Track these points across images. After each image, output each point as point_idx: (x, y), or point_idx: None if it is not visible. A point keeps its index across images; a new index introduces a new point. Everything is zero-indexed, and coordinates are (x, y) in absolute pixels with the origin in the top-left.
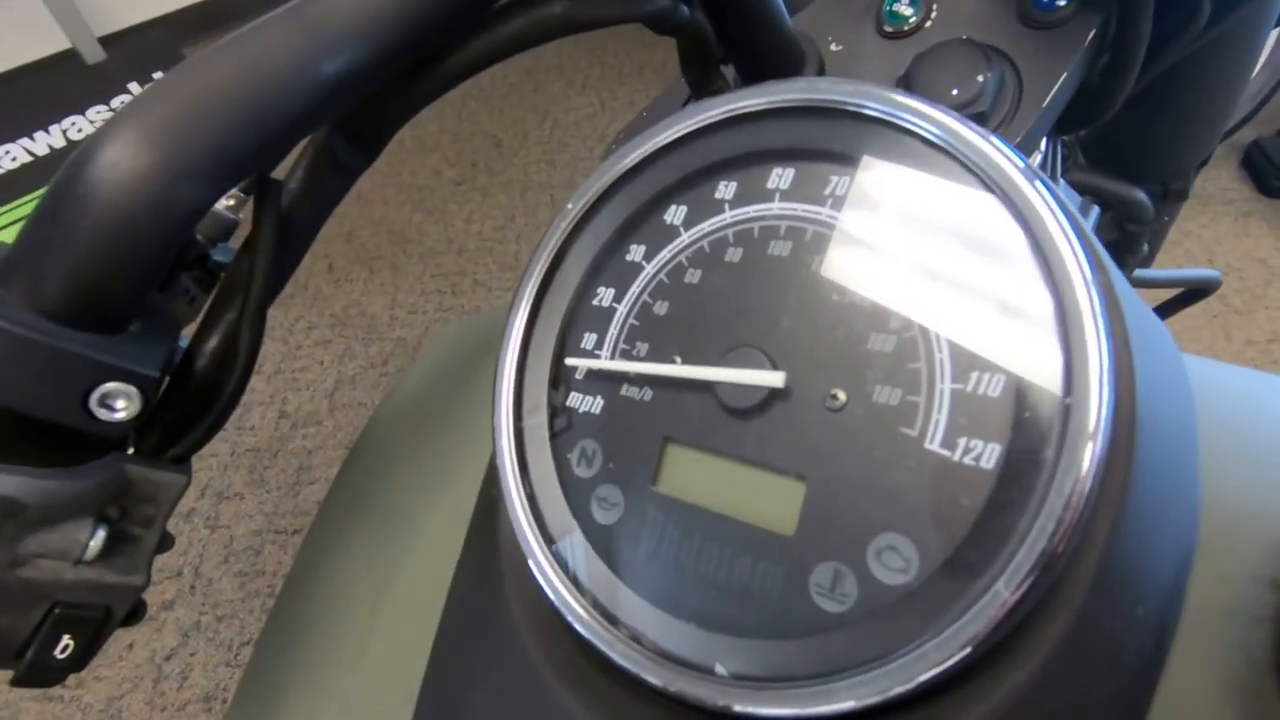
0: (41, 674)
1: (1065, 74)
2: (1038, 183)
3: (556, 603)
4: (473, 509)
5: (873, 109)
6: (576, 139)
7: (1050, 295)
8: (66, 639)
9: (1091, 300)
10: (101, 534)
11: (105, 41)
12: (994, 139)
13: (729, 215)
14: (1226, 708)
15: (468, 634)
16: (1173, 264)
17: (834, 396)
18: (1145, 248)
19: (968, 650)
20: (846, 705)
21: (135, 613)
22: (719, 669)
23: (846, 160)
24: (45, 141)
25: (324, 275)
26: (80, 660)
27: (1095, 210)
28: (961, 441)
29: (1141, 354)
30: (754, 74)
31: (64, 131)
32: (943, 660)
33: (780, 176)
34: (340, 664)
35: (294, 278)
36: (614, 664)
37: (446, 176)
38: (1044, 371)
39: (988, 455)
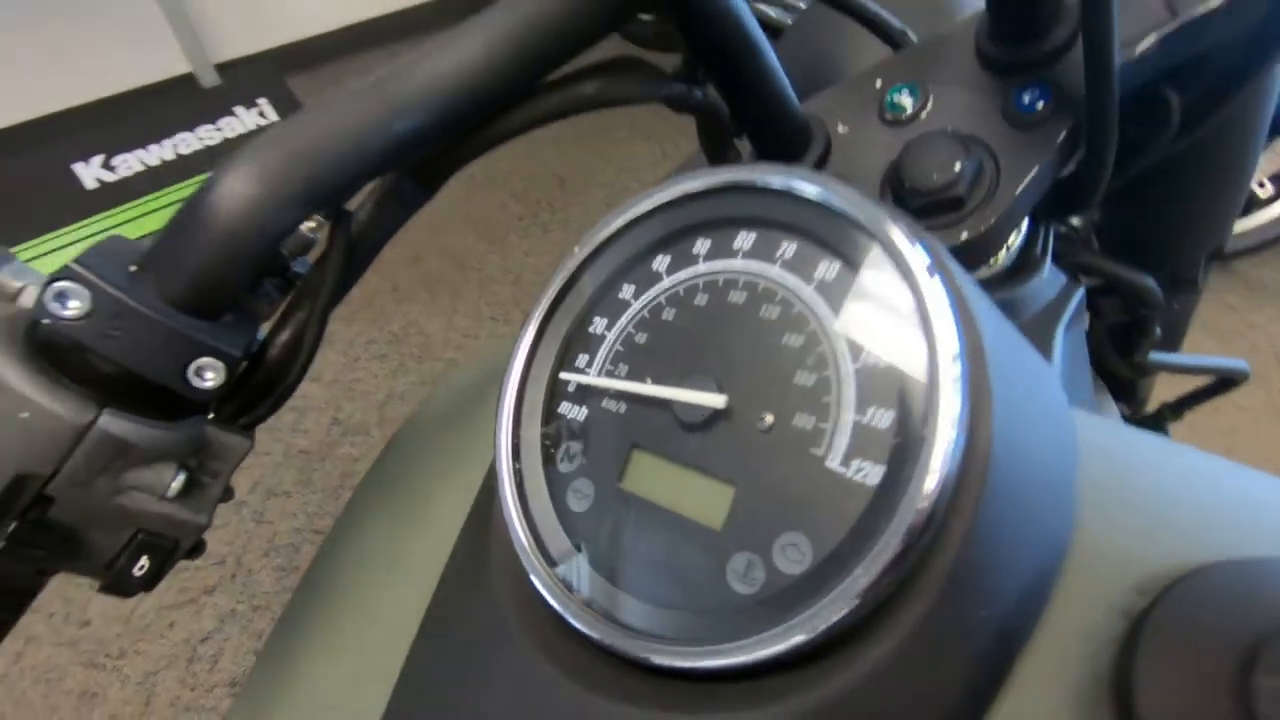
0: (121, 586)
1: (1038, 167)
2: (919, 247)
3: (529, 570)
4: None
5: (775, 184)
6: (637, 184)
7: (925, 350)
8: (144, 560)
9: (954, 357)
10: (181, 478)
11: (220, 68)
12: (898, 220)
13: (701, 267)
14: (1066, 716)
15: (458, 591)
16: (1236, 357)
17: (763, 419)
18: (1158, 331)
19: (835, 622)
20: (736, 660)
21: (196, 549)
22: (643, 629)
23: (791, 229)
24: (158, 154)
25: (388, 295)
26: (151, 581)
27: (1080, 290)
28: (854, 462)
29: (1003, 404)
30: (764, 148)
31: (175, 146)
32: (814, 630)
33: (743, 239)
34: (357, 629)
35: (360, 296)
36: (567, 621)
37: (511, 211)
38: (914, 411)
39: (872, 474)
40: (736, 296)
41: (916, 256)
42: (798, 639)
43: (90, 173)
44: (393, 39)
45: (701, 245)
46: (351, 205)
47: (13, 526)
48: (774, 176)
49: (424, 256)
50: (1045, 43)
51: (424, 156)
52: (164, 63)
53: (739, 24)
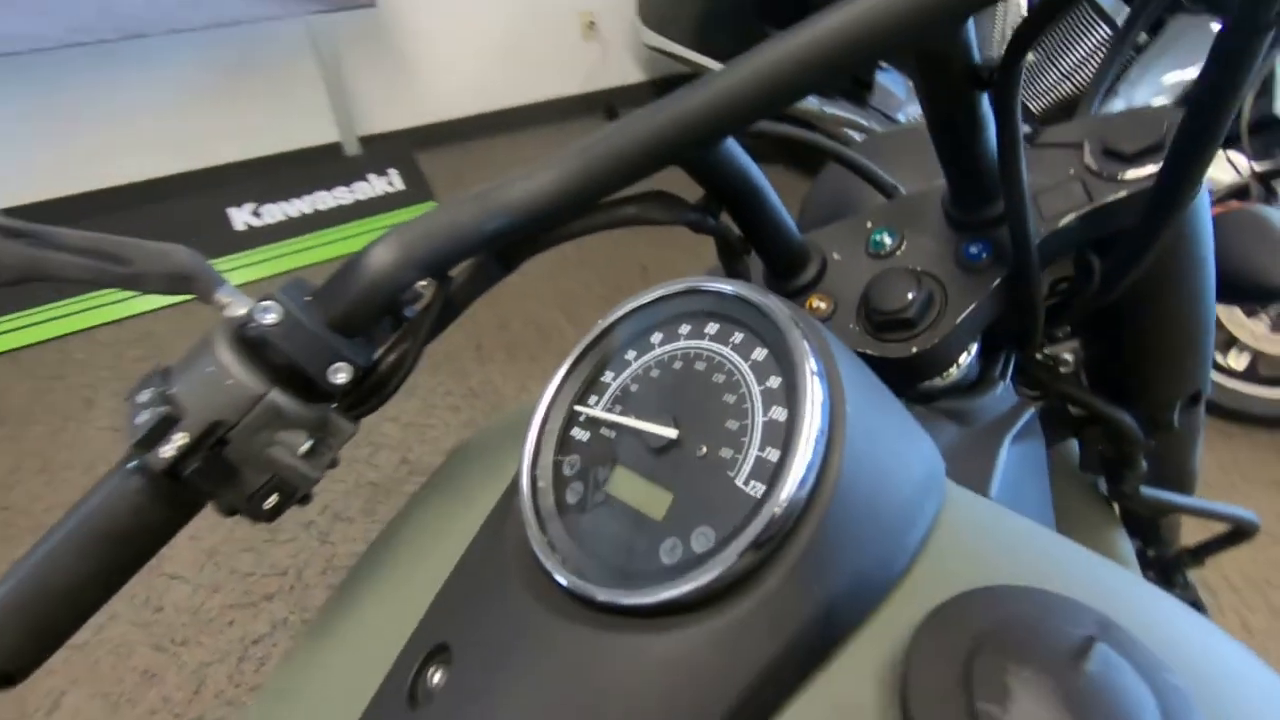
0: (255, 514)
1: (976, 304)
2: (804, 343)
3: (529, 535)
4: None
5: (729, 291)
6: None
7: (797, 413)
8: (273, 497)
9: (812, 419)
10: (309, 443)
11: (363, 140)
12: (791, 317)
13: (681, 343)
14: (870, 690)
15: (484, 546)
16: None
17: (701, 449)
18: (1144, 465)
19: (716, 578)
20: (652, 600)
21: (306, 498)
22: (595, 580)
23: (741, 323)
24: (299, 207)
25: (472, 353)
26: (274, 514)
27: (1030, 411)
28: (751, 482)
29: (854, 453)
30: (772, 266)
31: (314, 202)
32: (702, 584)
33: (711, 327)
34: (399, 597)
35: (446, 351)
36: (547, 570)
37: (595, 290)
38: (789, 451)
39: (759, 490)
40: (700, 365)
41: (800, 348)
42: (689, 587)
43: (241, 217)
44: (506, 129)
45: (683, 328)
46: (453, 273)
47: (201, 457)
48: (729, 286)
49: (510, 323)
50: (988, 211)
51: (505, 245)
52: (317, 131)
53: (744, 174)
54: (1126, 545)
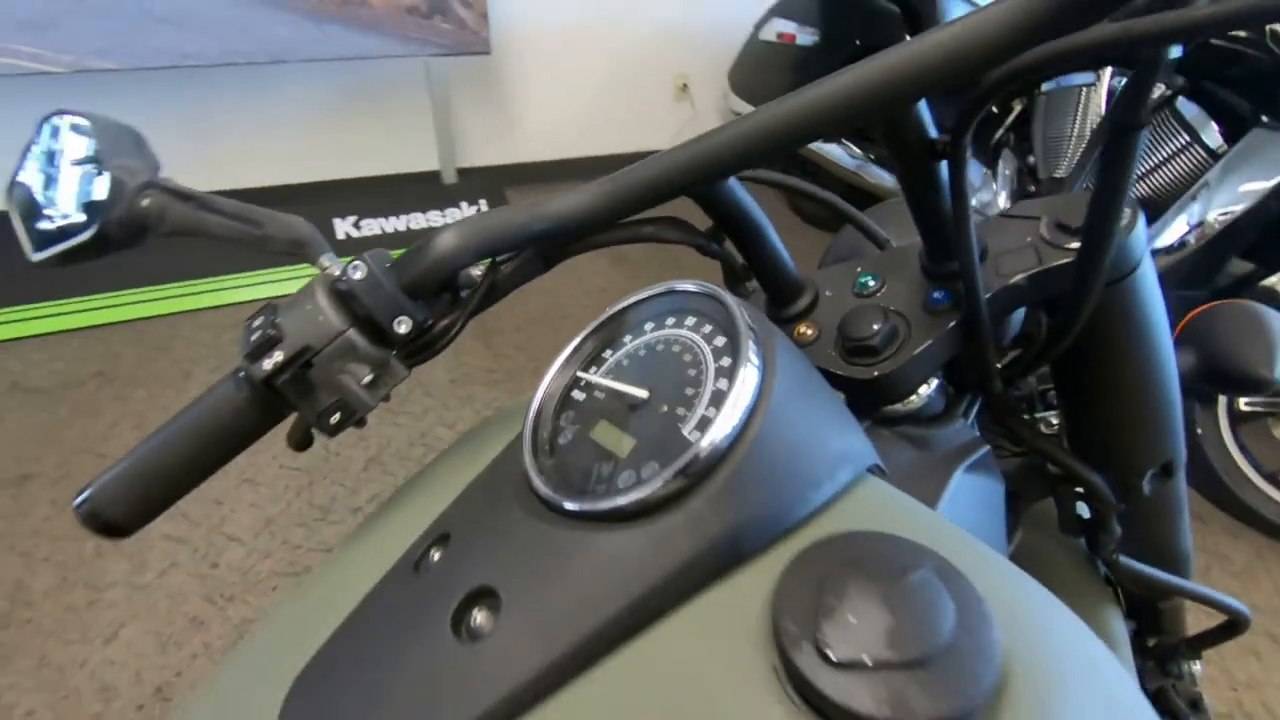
0: (323, 428)
1: (932, 340)
2: (748, 330)
3: (526, 460)
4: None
5: (684, 289)
6: None
7: (732, 385)
8: (337, 415)
9: (742, 390)
10: (371, 376)
11: (460, 171)
12: (747, 315)
13: (665, 331)
14: (756, 606)
15: (493, 470)
16: None
17: (664, 407)
18: (1117, 530)
19: (652, 494)
20: (606, 506)
21: (361, 422)
22: (568, 494)
23: (713, 319)
24: (394, 225)
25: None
26: (335, 430)
27: (984, 448)
28: (694, 432)
29: (774, 418)
30: (769, 293)
31: (408, 222)
32: (637, 500)
33: (690, 319)
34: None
35: (462, 360)
36: (535, 485)
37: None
38: (719, 410)
39: (698, 438)
40: (676, 347)
41: (745, 336)
42: (631, 499)
43: (344, 226)
44: (591, 175)
45: (669, 320)
46: (502, 264)
47: (290, 373)
48: (700, 288)
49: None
50: (951, 265)
51: (547, 246)
52: (420, 159)
53: (744, 211)
54: (1119, 625)
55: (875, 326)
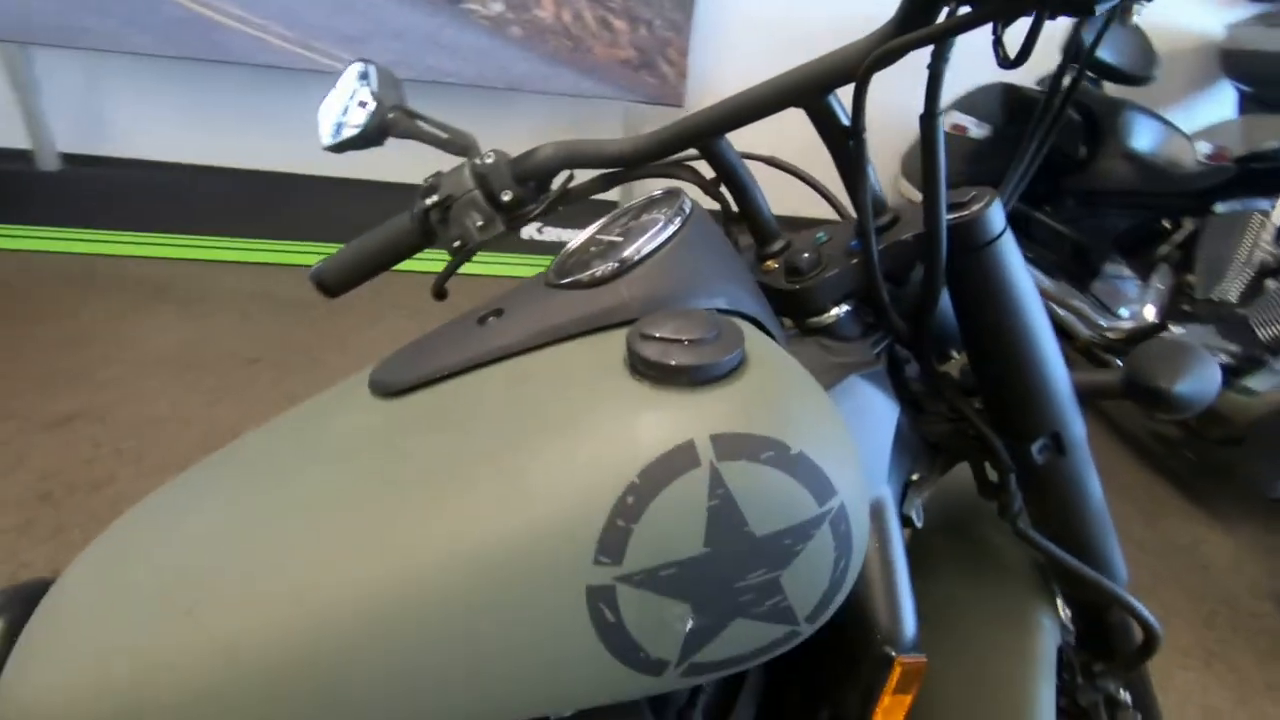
0: (450, 250)
1: (839, 270)
2: (680, 204)
3: (550, 271)
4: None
5: (667, 188)
6: None
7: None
8: (458, 243)
9: (661, 231)
10: (481, 223)
11: None
12: (691, 203)
13: (654, 210)
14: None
15: (524, 283)
16: None
17: (630, 238)
18: (1017, 495)
19: (593, 274)
20: (570, 279)
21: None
22: (560, 279)
23: (679, 203)
24: (568, 236)
25: None
26: (455, 253)
27: (878, 366)
28: (632, 250)
29: (674, 255)
30: (753, 236)
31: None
32: (589, 275)
33: (673, 202)
34: None
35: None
36: (550, 278)
37: None
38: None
39: (629, 250)
40: (655, 213)
41: (677, 207)
42: (587, 274)
43: (528, 230)
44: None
45: (662, 204)
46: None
47: (438, 210)
48: (673, 185)
49: None
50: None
51: (608, 172)
52: None
53: (734, 168)
54: (1044, 619)
55: (805, 256)
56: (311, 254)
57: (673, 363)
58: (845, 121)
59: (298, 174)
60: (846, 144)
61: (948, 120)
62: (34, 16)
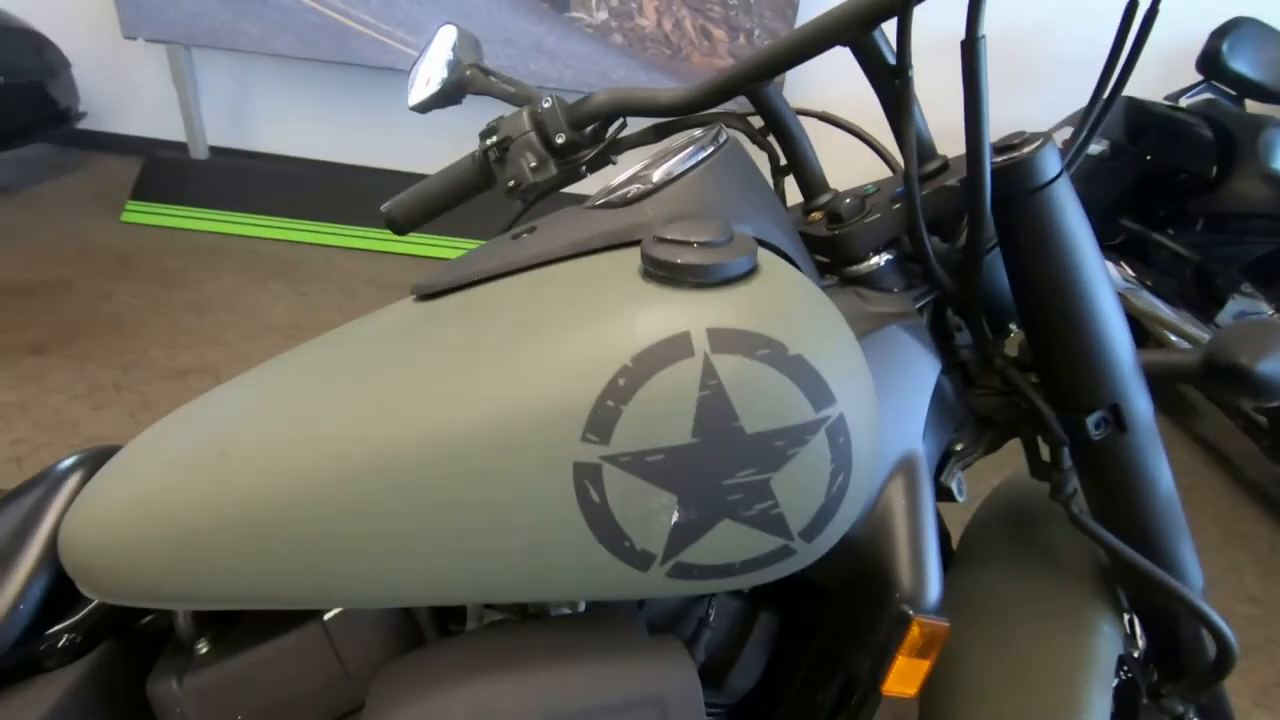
0: (507, 190)
1: (880, 215)
2: (719, 137)
3: (589, 201)
4: None
5: (717, 127)
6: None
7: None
8: (512, 183)
9: (691, 157)
10: (535, 163)
11: None
12: (730, 138)
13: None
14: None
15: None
16: None
17: (665, 168)
18: (1073, 474)
19: (627, 195)
20: (607, 199)
21: (525, 194)
22: (597, 200)
23: (725, 138)
24: None
25: None
26: (510, 192)
27: (921, 319)
28: (661, 173)
29: (703, 180)
30: (801, 189)
31: None
32: (622, 195)
33: (720, 134)
34: None
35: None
36: (590, 199)
37: None
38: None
39: (658, 174)
40: (695, 149)
41: (716, 141)
42: (618, 195)
43: None
44: None
45: (706, 142)
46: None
47: (498, 150)
48: (722, 125)
49: None
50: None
51: (660, 120)
52: None
53: (783, 118)
54: (1107, 626)
55: (848, 203)
56: (416, 244)
57: (679, 261)
58: (892, 60)
59: (409, 172)
60: (893, 84)
61: (1060, 135)
62: (199, 21)
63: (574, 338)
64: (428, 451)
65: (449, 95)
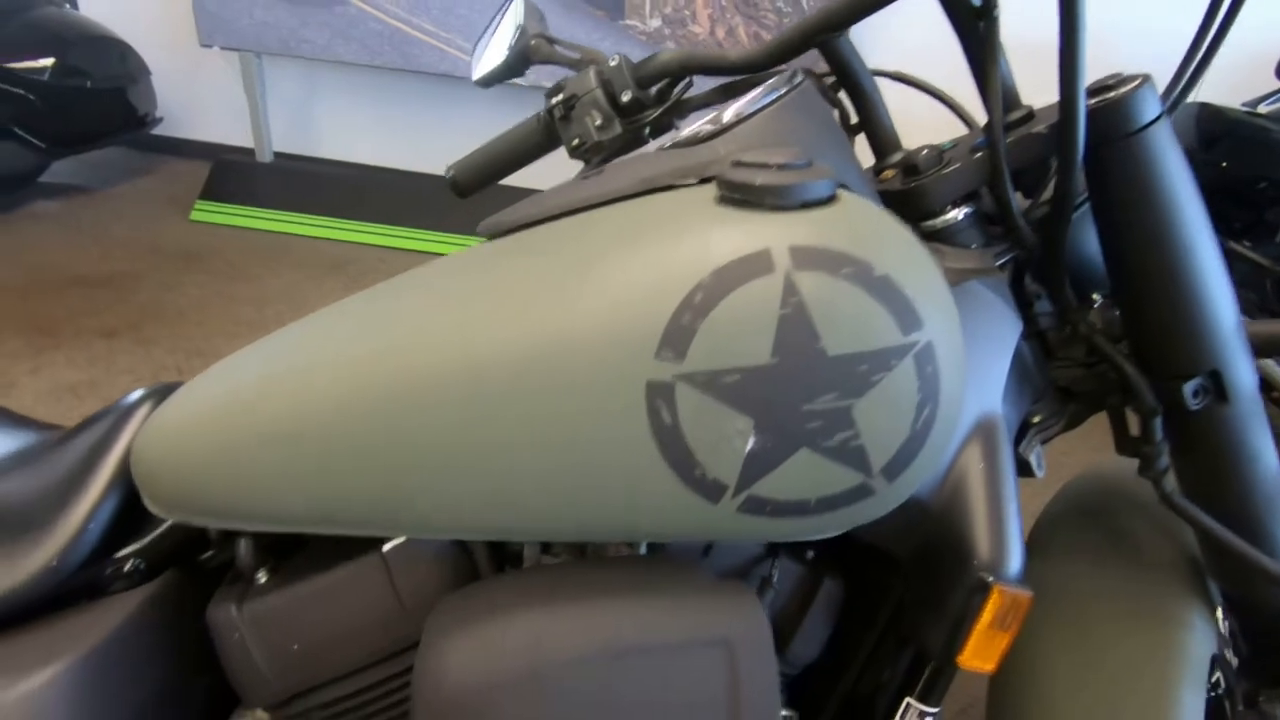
0: (570, 148)
1: (959, 164)
2: (800, 86)
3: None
4: None
5: (800, 79)
6: None
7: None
8: (576, 140)
9: (767, 97)
10: (601, 121)
11: None
12: (810, 90)
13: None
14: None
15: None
16: None
17: (737, 110)
18: (1164, 447)
19: (701, 134)
20: (674, 139)
21: (593, 162)
22: (668, 144)
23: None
24: None
25: None
26: (574, 151)
27: (1003, 276)
28: (731, 114)
29: (780, 115)
30: (871, 144)
31: None
32: (696, 134)
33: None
34: None
35: None
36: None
37: None
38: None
39: (729, 114)
40: (771, 93)
41: (790, 79)
42: (691, 132)
43: None
44: None
45: (783, 85)
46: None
47: (561, 109)
48: (805, 77)
49: None
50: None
51: (729, 80)
52: None
53: (855, 72)
54: (1198, 626)
55: (924, 154)
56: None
57: (758, 182)
58: (976, 1)
59: None
60: (976, 26)
61: None
62: (270, 30)
63: (648, 255)
64: (502, 369)
65: (513, 66)
